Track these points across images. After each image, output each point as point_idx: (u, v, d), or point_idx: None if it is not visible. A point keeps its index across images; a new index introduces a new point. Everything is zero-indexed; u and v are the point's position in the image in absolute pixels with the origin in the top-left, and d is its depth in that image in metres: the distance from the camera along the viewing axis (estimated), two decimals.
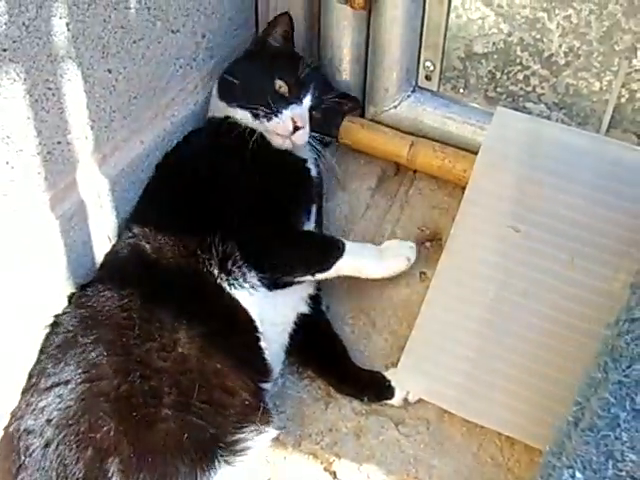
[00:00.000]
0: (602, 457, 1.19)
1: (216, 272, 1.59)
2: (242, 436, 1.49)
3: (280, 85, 1.74)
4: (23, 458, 1.41)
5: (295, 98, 1.75)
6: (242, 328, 1.60)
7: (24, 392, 1.49)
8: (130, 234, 1.63)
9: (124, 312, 1.50)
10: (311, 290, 1.75)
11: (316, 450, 1.61)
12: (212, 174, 1.67)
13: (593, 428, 1.21)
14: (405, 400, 1.65)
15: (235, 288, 1.60)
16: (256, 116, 1.72)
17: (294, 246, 1.70)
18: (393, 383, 1.66)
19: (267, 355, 1.61)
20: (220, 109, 1.77)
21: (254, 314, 1.61)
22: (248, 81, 1.76)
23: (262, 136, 1.72)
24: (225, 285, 1.59)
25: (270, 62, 1.78)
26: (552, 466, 1.24)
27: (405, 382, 1.64)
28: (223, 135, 1.72)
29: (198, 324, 1.51)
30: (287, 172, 1.75)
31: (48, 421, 1.41)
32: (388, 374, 1.67)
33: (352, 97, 1.94)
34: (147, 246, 1.60)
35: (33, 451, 1.40)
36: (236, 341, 1.56)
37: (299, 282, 1.70)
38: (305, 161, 1.80)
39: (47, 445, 1.39)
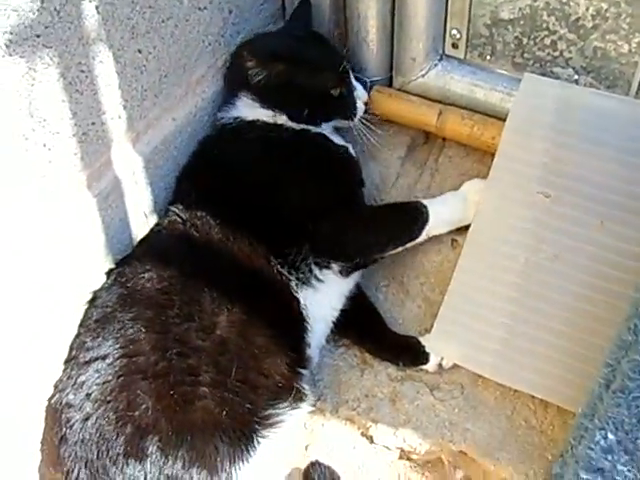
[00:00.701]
0: (634, 418, 1.20)
1: (278, 267, 1.60)
2: (276, 411, 1.51)
3: (336, 91, 1.78)
4: (64, 430, 1.44)
5: (347, 86, 1.80)
6: (289, 320, 1.61)
7: (65, 364, 1.52)
8: (175, 217, 1.64)
9: (164, 293, 1.51)
10: (359, 275, 1.76)
11: (353, 416, 1.64)
12: (270, 173, 1.67)
13: (624, 390, 1.22)
14: (439, 365, 1.66)
15: (298, 284, 1.62)
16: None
17: (378, 223, 1.71)
18: (427, 349, 1.67)
19: (309, 346, 1.63)
20: (260, 113, 1.75)
21: (306, 309, 1.63)
22: (310, 106, 1.76)
23: (309, 133, 1.75)
24: (286, 280, 1.61)
25: (316, 72, 1.77)
26: (585, 428, 1.26)
27: (438, 348, 1.66)
28: (272, 137, 1.73)
29: (241, 310, 1.52)
30: (339, 160, 1.76)
31: (87, 395, 1.44)
32: (423, 340, 1.68)
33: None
34: (194, 231, 1.61)
35: (73, 424, 1.43)
36: (279, 331, 1.56)
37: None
38: (347, 148, 1.82)
39: (87, 419, 1.42)
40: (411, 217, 1.71)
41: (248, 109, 1.75)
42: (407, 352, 1.69)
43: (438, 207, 1.72)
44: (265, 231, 1.60)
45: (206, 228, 1.60)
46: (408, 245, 1.71)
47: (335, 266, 1.65)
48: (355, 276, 1.72)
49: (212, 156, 1.75)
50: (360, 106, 1.84)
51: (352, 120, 1.83)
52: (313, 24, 1.94)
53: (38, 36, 1.31)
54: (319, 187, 1.67)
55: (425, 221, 1.69)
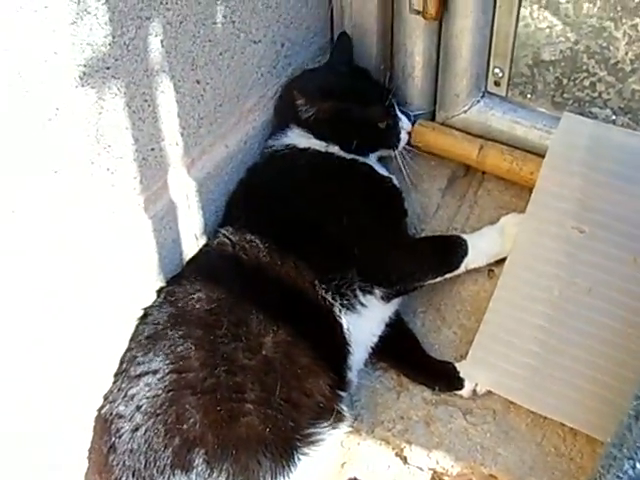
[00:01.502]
0: None
1: (323, 292, 1.63)
2: (316, 430, 1.54)
3: (383, 124, 1.86)
4: (114, 439, 1.48)
5: (393, 117, 1.88)
6: (332, 343, 1.63)
7: (116, 376, 1.56)
8: (225, 239, 1.68)
9: (213, 314, 1.55)
10: (399, 302, 1.79)
11: (388, 437, 1.66)
12: (320, 199, 1.72)
13: None
14: (474, 391, 1.68)
15: (342, 309, 1.65)
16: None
17: (420, 254, 1.76)
18: (462, 374, 1.69)
19: (350, 370, 1.66)
20: (313, 143, 1.81)
21: (349, 333, 1.66)
22: (354, 133, 1.82)
23: (358, 163, 1.81)
24: (330, 305, 1.64)
25: (364, 107, 1.84)
26: (613, 457, 1.26)
27: (473, 374, 1.68)
28: (323, 165, 1.79)
29: (286, 332, 1.56)
30: (385, 190, 1.82)
31: (138, 407, 1.48)
32: (458, 366, 1.71)
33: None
34: (242, 254, 1.64)
35: (123, 434, 1.47)
36: (322, 353, 1.58)
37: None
38: (391, 178, 1.86)
39: (136, 429, 1.46)
40: (451, 250, 1.76)
41: (300, 138, 1.81)
42: (443, 377, 1.72)
43: (477, 241, 1.77)
44: (312, 256, 1.63)
45: (254, 251, 1.64)
46: (447, 276, 1.76)
47: (378, 292, 1.69)
48: (395, 302, 1.76)
49: (263, 181, 1.80)
50: (404, 136, 1.91)
51: (395, 149, 1.89)
52: (360, 59, 1.99)
53: (108, 68, 1.38)
54: (367, 215, 1.72)
55: (464, 254, 1.74)
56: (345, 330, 1.65)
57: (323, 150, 1.80)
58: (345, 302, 1.66)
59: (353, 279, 1.66)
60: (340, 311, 1.65)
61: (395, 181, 1.86)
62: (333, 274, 1.65)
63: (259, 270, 1.64)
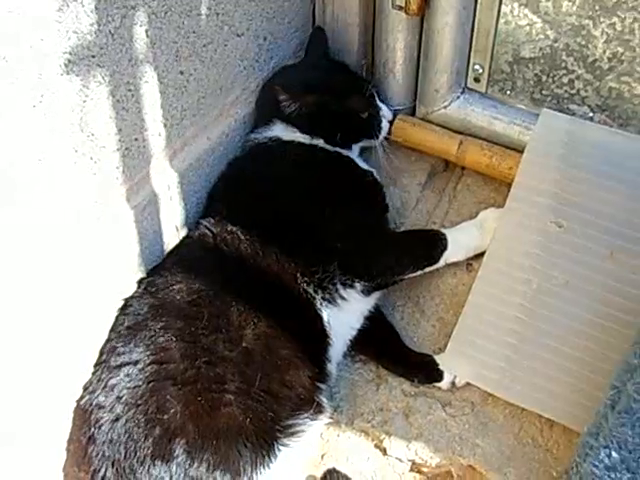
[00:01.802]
0: (637, 438, 1.23)
1: (304, 285, 1.64)
2: (296, 421, 1.54)
3: (364, 114, 1.89)
4: (93, 430, 1.48)
5: (374, 108, 1.92)
6: (312, 335, 1.64)
7: (95, 367, 1.56)
8: (206, 231, 1.69)
9: (194, 305, 1.56)
10: (379, 295, 1.80)
11: (367, 428, 1.67)
12: (302, 192, 1.73)
13: (629, 410, 1.25)
14: (452, 384, 1.70)
15: (323, 302, 1.66)
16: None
17: (400, 248, 1.76)
18: (441, 367, 1.71)
19: (330, 362, 1.67)
20: (297, 137, 1.83)
21: (329, 326, 1.67)
22: (343, 129, 1.86)
23: (341, 157, 1.82)
24: (311, 298, 1.65)
25: (345, 99, 1.86)
26: (590, 446, 1.28)
27: (452, 366, 1.70)
28: (306, 158, 1.80)
29: (266, 324, 1.57)
30: (367, 184, 1.83)
31: (118, 398, 1.48)
32: (437, 358, 1.72)
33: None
34: (223, 245, 1.65)
35: (102, 424, 1.47)
36: (303, 345, 1.60)
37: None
38: (372, 172, 1.88)
39: (116, 420, 1.46)
40: (431, 244, 1.77)
41: (284, 132, 1.82)
42: (422, 369, 1.73)
43: (456, 235, 1.78)
44: (294, 249, 1.64)
45: (236, 243, 1.65)
46: (427, 270, 1.77)
47: (358, 285, 1.70)
48: (375, 296, 1.77)
49: (245, 173, 1.81)
50: (385, 125, 1.94)
51: (377, 138, 1.92)
52: (342, 53, 2.02)
53: (93, 56, 1.39)
54: (348, 208, 1.73)
55: (444, 248, 1.76)
56: (325, 323, 1.66)
57: (307, 142, 1.81)
58: (326, 295, 1.67)
59: (334, 272, 1.67)
60: (321, 304, 1.66)
61: (376, 175, 1.87)
62: (314, 267, 1.65)
63: (240, 262, 1.64)
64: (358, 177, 1.83)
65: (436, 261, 1.77)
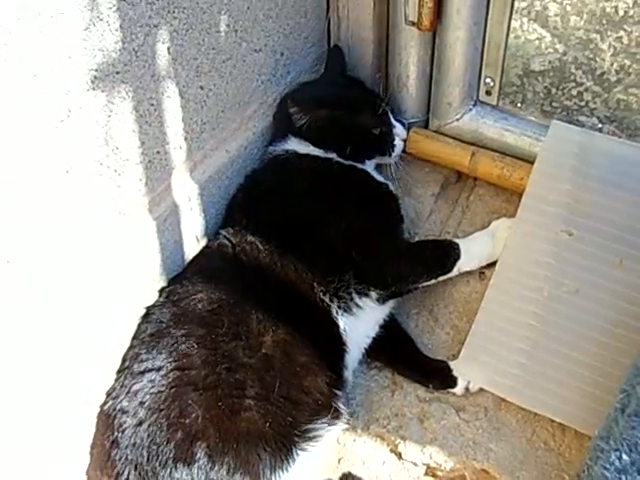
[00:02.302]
0: None
1: (321, 294, 1.67)
2: (314, 426, 1.56)
3: (376, 130, 1.90)
4: (116, 434, 1.50)
5: (387, 125, 1.93)
6: (329, 343, 1.67)
7: (118, 373, 1.59)
8: (225, 241, 1.73)
9: (214, 314, 1.59)
10: (394, 304, 1.83)
11: (383, 433, 1.69)
12: (319, 204, 1.76)
13: (638, 413, 1.26)
14: (466, 389, 1.72)
15: (339, 311, 1.69)
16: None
17: (415, 257, 1.79)
18: (455, 373, 1.73)
19: (346, 369, 1.70)
20: (312, 150, 1.86)
21: (345, 334, 1.70)
22: (348, 139, 1.87)
23: (356, 169, 1.85)
24: (328, 306, 1.68)
25: (357, 115, 1.89)
26: (601, 449, 1.29)
27: (465, 372, 1.72)
28: (322, 170, 1.83)
29: (285, 332, 1.60)
30: (382, 196, 1.87)
31: (141, 403, 1.50)
32: (451, 364, 1.75)
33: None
34: (243, 256, 1.69)
35: (126, 429, 1.49)
36: (320, 352, 1.62)
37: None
38: (388, 184, 1.90)
39: (139, 424, 1.48)
40: (445, 253, 1.80)
41: (299, 145, 1.86)
42: (436, 375, 1.75)
43: (469, 245, 1.81)
44: (310, 259, 1.68)
45: (255, 253, 1.68)
46: (441, 278, 1.81)
47: (374, 294, 1.73)
48: (390, 304, 1.80)
49: (264, 184, 1.84)
50: (398, 143, 1.96)
51: (390, 156, 1.94)
52: (356, 68, 2.05)
53: (118, 73, 1.43)
54: (364, 219, 1.76)
55: (457, 257, 1.79)
56: (342, 331, 1.69)
57: (322, 156, 1.84)
58: (342, 304, 1.70)
59: (350, 282, 1.70)
60: (337, 312, 1.69)
61: (392, 187, 1.90)
62: (331, 277, 1.69)
63: (259, 271, 1.68)
64: (373, 189, 1.86)
65: (450, 270, 1.80)
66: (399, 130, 1.97)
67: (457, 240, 1.84)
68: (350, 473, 1.66)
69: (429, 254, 1.82)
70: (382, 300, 1.76)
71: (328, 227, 1.73)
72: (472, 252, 1.82)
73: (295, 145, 1.86)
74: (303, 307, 1.67)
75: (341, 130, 1.88)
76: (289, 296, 1.66)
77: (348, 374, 1.72)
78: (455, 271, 1.81)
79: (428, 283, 1.80)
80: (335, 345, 1.69)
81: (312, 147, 1.85)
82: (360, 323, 1.74)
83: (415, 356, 1.80)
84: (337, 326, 1.69)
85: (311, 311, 1.67)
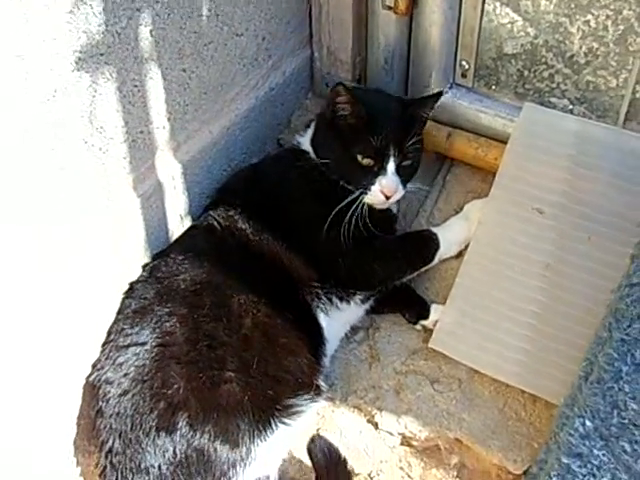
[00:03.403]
0: (608, 407, 1.27)
1: (304, 293, 1.72)
2: (296, 402, 1.62)
3: (363, 160, 1.73)
4: (101, 404, 1.55)
5: (380, 168, 1.73)
6: (308, 333, 1.71)
7: (103, 346, 1.64)
8: (214, 222, 1.76)
9: (197, 295, 1.64)
10: (371, 303, 1.87)
11: (360, 404, 1.75)
12: (306, 208, 1.77)
13: (600, 381, 1.29)
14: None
15: (318, 310, 1.74)
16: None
17: (396, 256, 1.81)
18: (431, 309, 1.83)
19: (325, 356, 1.75)
20: (307, 146, 1.85)
21: (324, 329, 1.75)
22: (335, 160, 1.77)
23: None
24: (308, 304, 1.73)
25: (347, 137, 1.74)
26: (566, 416, 1.33)
27: (440, 345, 1.76)
28: (307, 169, 1.81)
29: (265, 315, 1.65)
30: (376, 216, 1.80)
31: (125, 375, 1.56)
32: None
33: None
34: (230, 239, 1.73)
35: (110, 398, 1.55)
36: (299, 339, 1.67)
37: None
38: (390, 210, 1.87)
39: (124, 394, 1.54)
40: (425, 246, 1.84)
41: (303, 139, 1.88)
42: (414, 306, 1.85)
43: (446, 233, 1.86)
44: (297, 261, 1.72)
45: (243, 239, 1.72)
46: (423, 269, 1.86)
47: (359, 296, 1.78)
48: (370, 302, 1.85)
49: (264, 173, 1.86)
50: (374, 191, 1.74)
51: (362, 194, 1.74)
52: (337, 51, 2.09)
53: (102, 55, 1.47)
54: (347, 227, 1.71)
55: (437, 248, 1.83)
56: (321, 324, 1.75)
57: (314, 157, 1.84)
58: (322, 306, 1.75)
59: (332, 289, 1.75)
60: (316, 311, 1.75)
61: (393, 207, 1.89)
62: (315, 282, 1.74)
63: (245, 258, 1.72)
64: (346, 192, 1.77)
65: (431, 260, 1.85)
66: (385, 182, 1.73)
67: (434, 229, 1.87)
68: (318, 434, 1.69)
69: (410, 249, 1.85)
70: (366, 300, 1.82)
71: (314, 234, 1.74)
72: (450, 239, 1.86)
73: (301, 138, 1.89)
74: (285, 298, 1.71)
75: (324, 136, 1.83)
76: (273, 286, 1.71)
77: (326, 360, 1.77)
78: (436, 260, 1.85)
79: (412, 276, 1.85)
80: (314, 336, 1.73)
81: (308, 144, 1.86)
82: (339, 321, 1.80)
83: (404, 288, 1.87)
84: (317, 320, 1.74)
85: (292, 303, 1.72)
